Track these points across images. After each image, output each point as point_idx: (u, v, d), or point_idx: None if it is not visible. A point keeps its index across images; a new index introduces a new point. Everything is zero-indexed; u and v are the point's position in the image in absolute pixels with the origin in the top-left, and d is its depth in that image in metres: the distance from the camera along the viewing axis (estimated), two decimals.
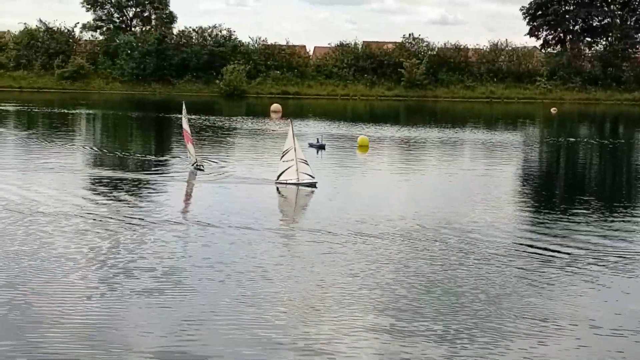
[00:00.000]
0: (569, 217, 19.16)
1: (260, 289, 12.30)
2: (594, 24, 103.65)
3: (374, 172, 28.38)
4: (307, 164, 23.30)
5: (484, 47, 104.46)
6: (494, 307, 11.63)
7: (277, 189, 22.84)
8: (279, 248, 15.40)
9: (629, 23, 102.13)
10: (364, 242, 15.76)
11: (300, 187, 22.77)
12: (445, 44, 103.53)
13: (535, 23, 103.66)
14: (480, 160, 33.04)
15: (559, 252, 15.23)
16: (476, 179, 26.35)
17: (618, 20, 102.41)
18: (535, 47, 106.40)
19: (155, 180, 24.38)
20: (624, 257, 14.90)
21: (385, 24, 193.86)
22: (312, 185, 22.95)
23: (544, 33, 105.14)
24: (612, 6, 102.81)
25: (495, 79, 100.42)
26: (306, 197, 22.02)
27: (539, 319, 11.12)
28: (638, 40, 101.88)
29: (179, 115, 27.94)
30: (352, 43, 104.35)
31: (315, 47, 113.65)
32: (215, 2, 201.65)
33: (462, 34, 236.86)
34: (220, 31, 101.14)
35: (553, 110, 74.48)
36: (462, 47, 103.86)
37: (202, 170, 25.71)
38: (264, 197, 21.66)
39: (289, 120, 24.27)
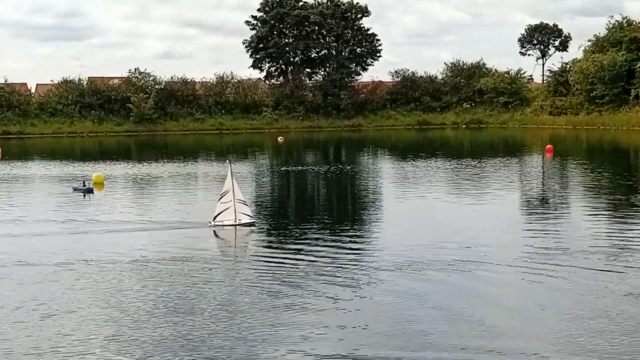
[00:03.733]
0: (302, 239, 20.49)
1: None
2: (313, 56, 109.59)
3: (110, 210, 27.87)
4: (246, 205, 22.93)
5: (211, 80, 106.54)
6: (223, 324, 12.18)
7: (214, 232, 22.20)
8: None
9: (343, 54, 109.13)
10: (98, 275, 15.85)
11: (238, 228, 22.30)
12: (172, 77, 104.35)
13: (258, 56, 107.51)
14: (214, 192, 33.66)
15: (291, 269, 16.25)
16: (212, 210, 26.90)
17: (334, 52, 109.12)
18: (259, 78, 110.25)
19: None
20: (354, 273, 16.18)
21: (110, 59, 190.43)
22: (251, 224, 22.60)
23: (267, 65, 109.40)
24: (327, 38, 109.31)
25: (223, 111, 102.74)
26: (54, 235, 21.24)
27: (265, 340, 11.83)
28: (353, 70, 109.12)
29: None
30: (77, 79, 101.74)
31: (37, 84, 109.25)
32: None
33: (189, 67, 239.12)
34: None
35: (280, 139, 77.44)
36: (189, 80, 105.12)
37: None
38: None
39: (227, 162, 23.31)
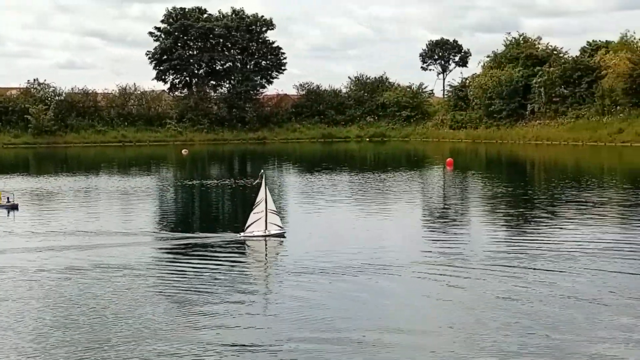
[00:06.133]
0: (210, 251, 20.58)
1: None
2: (217, 68, 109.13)
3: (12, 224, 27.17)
4: (277, 215, 23.04)
5: (113, 92, 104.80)
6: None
7: (244, 241, 22.32)
8: None
9: (248, 67, 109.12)
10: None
11: (268, 239, 22.50)
12: (73, 88, 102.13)
13: (161, 67, 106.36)
14: (115, 206, 33.20)
15: (205, 276, 16.34)
16: (118, 224, 26.60)
17: (239, 64, 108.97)
18: (164, 90, 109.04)
19: None
20: (270, 277, 16.38)
21: (10, 69, 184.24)
22: (281, 235, 22.76)
23: (171, 77, 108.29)
24: (232, 50, 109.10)
25: (126, 123, 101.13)
26: None
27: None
28: (258, 82, 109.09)
29: None
30: None
31: None
32: None
33: (91, 78, 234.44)
34: None
35: (184, 151, 76.80)
36: (90, 91, 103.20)
37: None
38: None
39: (261, 172, 23.13)
